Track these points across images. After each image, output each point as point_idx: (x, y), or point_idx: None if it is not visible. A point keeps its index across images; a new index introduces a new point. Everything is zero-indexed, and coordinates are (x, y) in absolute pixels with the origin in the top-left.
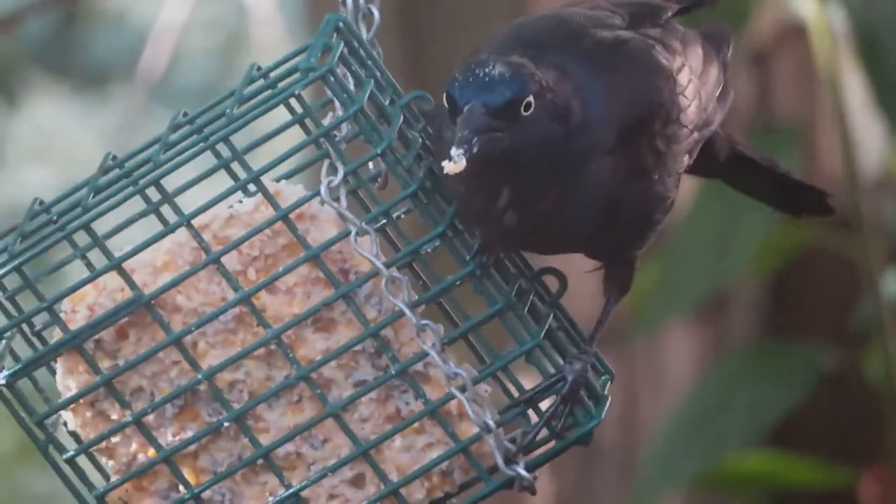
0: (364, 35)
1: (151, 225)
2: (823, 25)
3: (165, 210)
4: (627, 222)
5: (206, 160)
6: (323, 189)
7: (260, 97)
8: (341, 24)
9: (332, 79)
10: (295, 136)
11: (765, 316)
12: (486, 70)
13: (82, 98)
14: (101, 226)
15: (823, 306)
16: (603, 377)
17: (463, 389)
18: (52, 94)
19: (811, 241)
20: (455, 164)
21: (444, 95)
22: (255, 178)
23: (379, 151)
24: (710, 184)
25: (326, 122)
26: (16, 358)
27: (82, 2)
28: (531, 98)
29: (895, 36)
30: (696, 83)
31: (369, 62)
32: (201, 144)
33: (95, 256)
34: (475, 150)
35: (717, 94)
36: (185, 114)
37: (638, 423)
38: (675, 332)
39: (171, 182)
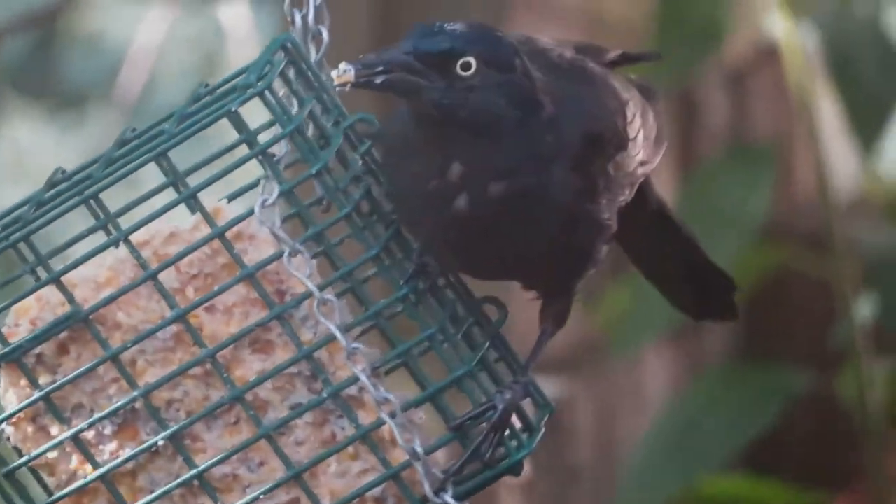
0: (313, 56)
1: (98, 241)
2: (796, 46)
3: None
4: (576, 245)
5: (151, 178)
6: (257, 207)
7: (199, 115)
8: (289, 44)
9: (269, 97)
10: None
11: (739, 337)
12: (443, 24)
13: (59, 119)
14: (53, 241)
15: (797, 327)
16: (543, 408)
17: (394, 415)
18: (28, 115)
19: (784, 261)
20: (340, 75)
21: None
22: (192, 195)
23: (314, 171)
24: (678, 208)
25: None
26: None
27: (59, 23)
28: (472, 59)
29: (866, 57)
30: (639, 119)
31: (316, 84)
32: (140, 160)
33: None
34: (377, 79)
35: (653, 138)
36: (134, 129)
37: (614, 444)
38: (651, 352)
39: (118, 199)
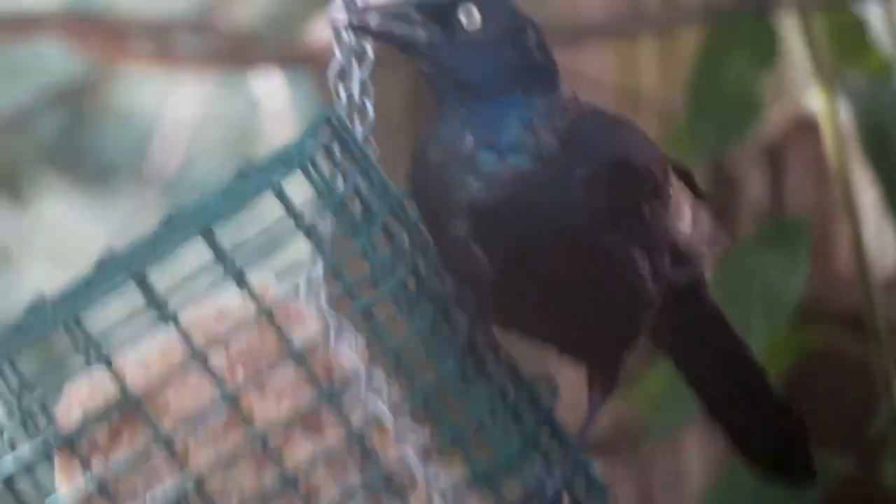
0: (358, 130)
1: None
2: (833, 122)
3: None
4: (610, 290)
5: (197, 255)
6: (302, 284)
7: (243, 190)
8: (333, 118)
9: (312, 170)
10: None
11: None
12: None
13: (91, 195)
14: (102, 320)
15: (836, 410)
16: (597, 491)
17: (444, 496)
18: (60, 191)
19: (822, 342)
20: (334, 14)
21: None
22: (239, 273)
23: (358, 246)
24: (714, 285)
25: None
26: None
27: (89, 97)
28: (473, 7)
29: None
30: (684, 196)
31: (361, 158)
32: (185, 236)
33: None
34: (373, 23)
35: (703, 230)
36: (180, 207)
37: None
38: (691, 435)
39: (164, 275)
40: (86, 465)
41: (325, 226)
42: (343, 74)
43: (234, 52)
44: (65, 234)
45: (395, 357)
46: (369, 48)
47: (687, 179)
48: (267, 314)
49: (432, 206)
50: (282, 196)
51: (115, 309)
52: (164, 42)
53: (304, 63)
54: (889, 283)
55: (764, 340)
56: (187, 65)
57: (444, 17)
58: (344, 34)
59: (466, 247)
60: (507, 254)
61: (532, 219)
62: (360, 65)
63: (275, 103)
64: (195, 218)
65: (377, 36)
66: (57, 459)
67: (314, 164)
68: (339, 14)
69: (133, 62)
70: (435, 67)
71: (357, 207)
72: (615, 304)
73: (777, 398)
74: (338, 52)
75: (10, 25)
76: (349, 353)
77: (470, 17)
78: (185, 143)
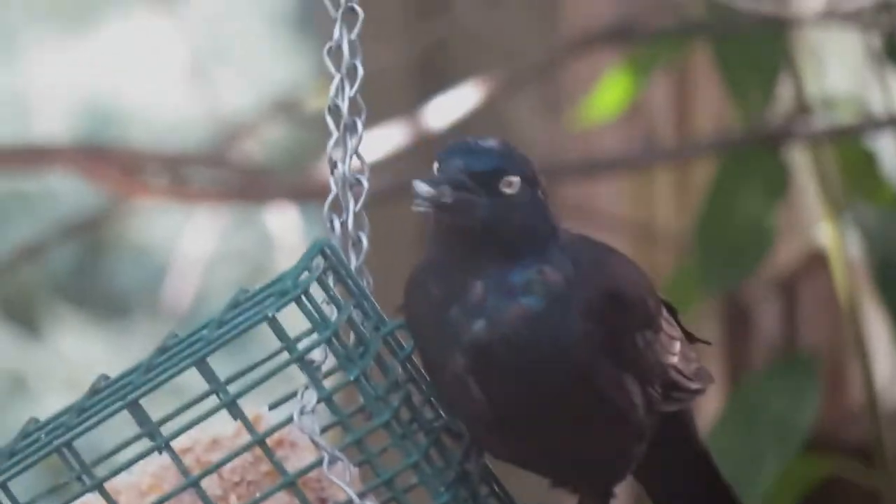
0: (352, 262)
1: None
2: (842, 256)
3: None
4: (600, 417)
5: (194, 383)
6: (296, 414)
7: (237, 320)
8: (328, 250)
9: (306, 302)
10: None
11: None
12: (479, 142)
13: (106, 328)
14: (97, 447)
15: None
16: None
17: None
18: (75, 324)
19: (833, 472)
20: (420, 197)
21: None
22: (233, 403)
23: (351, 378)
24: (726, 417)
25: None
26: None
27: (103, 231)
28: (517, 178)
29: None
30: (676, 332)
31: (355, 290)
32: (178, 366)
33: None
34: (448, 199)
35: (693, 368)
36: (176, 335)
37: None
38: None
39: (160, 404)
40: None
41: (319, 356)
42: (337, 206)
43: (248, 187)
44: (79, 365)
45: (388, 488)
46: (364, 180)
47: (673, 315)
48: (261, 442)
49: (429, 341)
50: (276, 328)
51: (109, 434)
52: (177, 176)
53: (317, 198)
54: None
55: (774, 470)
56: (201, 199)
57: (490, 184)
58: (339, 166)
59: (464, 384)
60: (505, 390)
61: (533, 355)
62: (354, 197)
63: (289, 238)
64: (190, 348)
65: (450, 210)
66: None
67: (308, 296)
68: (424, 188)
69: (147, 196)
70: (481, 227)
71: (351, 338)
72: (609, 434)
73: None
74: (332, 184)
75: (24, 158)
76: (344, 483)
77: (511, 184)
78: (198, 278)
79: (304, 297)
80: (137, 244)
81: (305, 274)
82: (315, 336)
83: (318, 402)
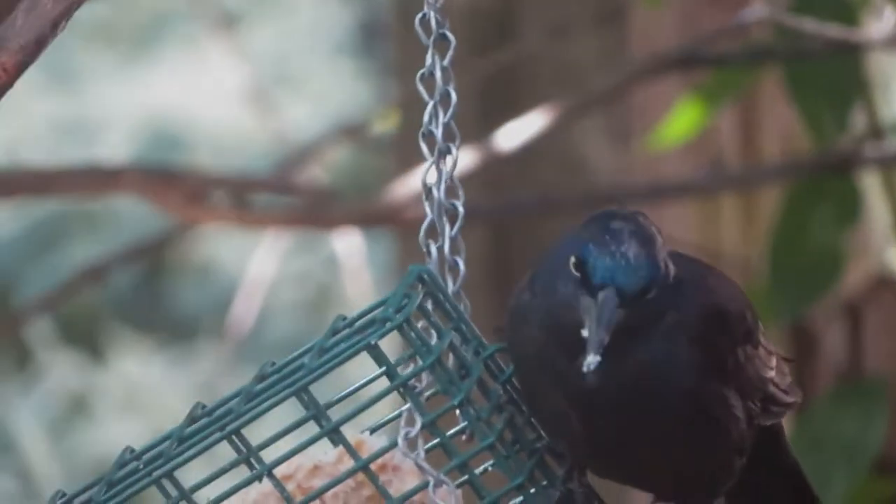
0: (450, 287)
1: (239, 476)
2: None
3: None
4: (706, 435)
5: (291, 412)
6: (400, 440)
7: (337, 348)
8: (425, 276)
9: (408, 329)
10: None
11: None
12: (623, 248)
13: (168, 352)
14: (190, 476)
15: None
16: None
17: None
18: (137, 347)
19: None
20: (591, 369)
21: (576, 259)
22: (335, 429)
23: (455, 403)
24: (796, 438)
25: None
26: None
27: (167, 255)
28: (657, 289)
29: None
30: (765, 341)
31: (454, 314)
32: (281, 395)
33: None
34: (603, 336)
35: (784, 375)
36: (273, 363)
37: None
38: None
39: (257, 434)
40: None
41: (422, 382)
42: (433, 231)
43: (313, 212)
44: (142, 389)
45: None
46: (460, 205)
47: None
48: (364, 468)
49: (530, 372)
50: (378, 356)
51: (209, 462)
52: (242, 200)
53: (382, 222)
54: None
55: (843, 493)
56: (265, 224)
57: (642, 297)
58: (434, 191)
59: (566, 419)
60: (610, 426)
61: (644, 398)
62: (450, 222)
63: (352, 261)
64: (291, 376)
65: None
66: None
67: (409, 322)
68: (594, 359)
69: (211, 221)
70: (621, 324)
71: (452, 364)
72: (712, 449)
73: None
74: (428, 210)
75: (89, 181)
76: None
77: (654, 291)
78: (262, 300)
79: (406, 325)
80: (201, 267)
81: (405, 300)
82: (417, 362)
83: (423, 427)
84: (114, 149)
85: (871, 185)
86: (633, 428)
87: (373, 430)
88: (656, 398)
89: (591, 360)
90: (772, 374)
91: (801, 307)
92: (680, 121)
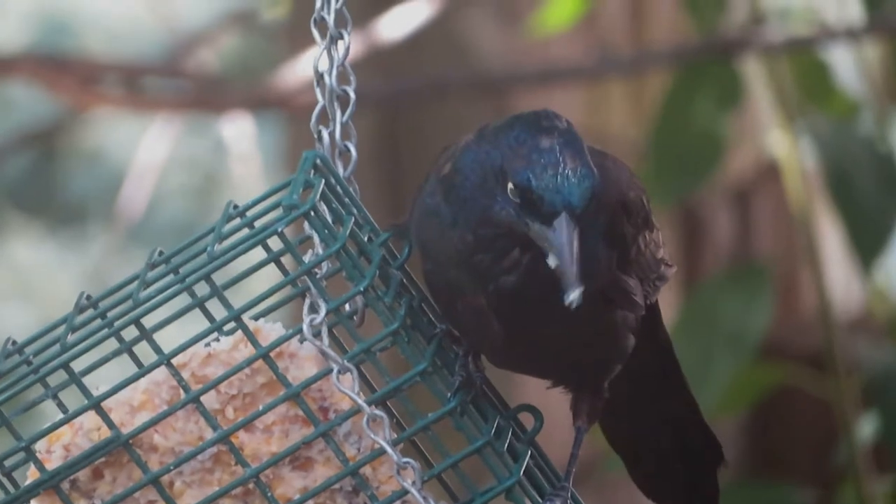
0: (341, 172)
1: (125, 362)
2: (796, 165)
3: (140, 348)
4: (611, 322)
5: (184, 298)
6: (305, 327)
7: (241, 234)
8: (318, 161)
9: (314, 216)
10: (270, 272)
11: (742, 454)
12: (562, 166)
13: (59, 237)
14: (76, 364)
15: (799, 445)
16: None
17: None
18: (27, 232)
19: (785, 380)
20: (577, 302)
21: (516, 186)
22: (237, 317)
23: (361, 289)
24: (680, 325)
25: (306, 258)
26: None
27: (58, 140)
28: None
29: (866, 175)
30: (654, 220)
31: (346, 199)
32: (183, 283)
33: (67, 395)
34: (577, 267)
35: (664, 247)
36: (161, 252)
37: None
38: None
39: (146, 320)
40: None
41: (323, 268)
42: (324, 117)
43: (204, 96)
44: (32, 274)
45: (393, 392)
46: (351, 91)
47: None
48: (264, 356)
49: (442, 269)
50: (285, 242)
51: (98, 350)
52: (133, 86)
53: (272, 106)
54: (852, 324)
55: (727, 378)
56: (156, 108)
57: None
58: (325, 77)
59: (481, 316)
60: (524, 322)
61: (559, 294)
62: (341, 108)
63: (242, 146)
64: (187, 263)
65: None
66: (37, 502)
67: (315, 210)
68: (575, 295)
69: (103, 105)
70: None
71: (353, 249)
72: (613, 336)
73: (706, 427)
74: (319, 95)
75: None
76: (352, 393)
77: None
78: (152, 186)
79: (311, 211)
80: (92, 152)
81: (313, 188)
82: (318, 248)
83: (328, 313)
84: (6, 35)
85: (755, 72)
86: (547, 323)
87: (256, 318)
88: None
89: (574, 295)
90: (662, 252)
91: (684, 190)
92: (565, 4)
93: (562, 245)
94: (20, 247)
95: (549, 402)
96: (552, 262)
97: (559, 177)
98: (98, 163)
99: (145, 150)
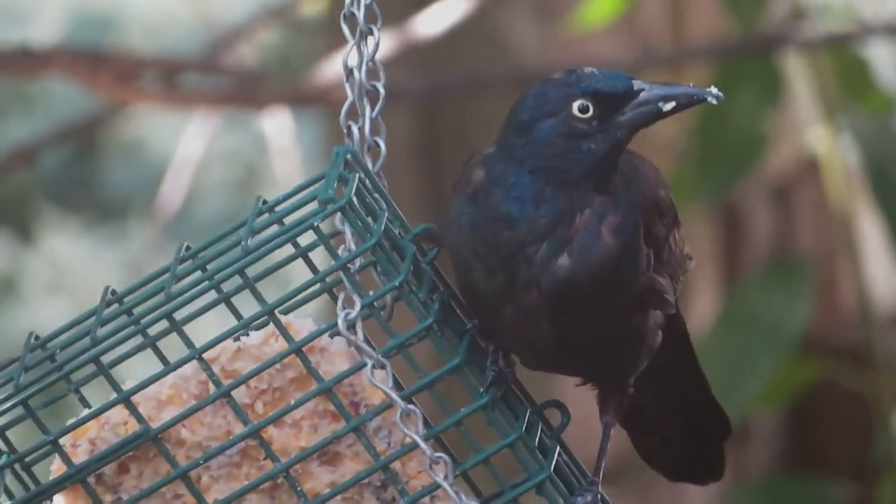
0: (370, 167)
1: (150, 356)
2: (836, 161)
3: (166, 342)
4: (644, 320)
5: (208, 294)
6: (340, 322)
7: (276, 228)
8: (349, 156)
9: (350, 210)
10: (297, 267)
11: (781, 449)
12: (591, 71)
13: (97, 231)
14: (104, 358)
15: (838, 440)
16: None
17: None
18: (66, 227)
19: (824, 375)
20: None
21: (587, 90)
22: (270, 312)
23: (397, 283)
24: (721, 321)
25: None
26: (9, 495)
27: (98, 134)
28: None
29: None
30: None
31: (376, 194)
32: (216, 276)
33: (89, 389)
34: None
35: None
36: (189, 247)
37: None
38: None
39: (178, 314)
40: (97, 501)
41: (356, 264)
42: (354, 113)
43: (241, 92)
44: (70, 269)
45: (428, 389)
46: (381, 87)
47: None
48: (297, 350)
49: (493, 274)
50: (321, 237)
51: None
52: (172, 81)
53: (310, 102)
54: (891, 319)
55: (768, 373)
56: (195, 104)
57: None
58: (355, 73)
59: (532, 317)
60: (575, 322)
61: (611, 291)
62: (370, 104)
63: (281, 141)
64: (218, 257)
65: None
66: (61, 498)
67: (351, 204)
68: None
69: (141, 101)
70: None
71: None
72: (645, 334)
73: (714, 401)
74: (349, 91)
75: (20, 62)
76: (387, 388)
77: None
78: (191, 180)
79: (347, 205)
80: (132, 147)
81: (348, 183)
82: (350, 242)
83: (363, 308)
84: (45, 30)
85: (795, 68)
86: (591, 325)
87: (285, 312)
88: (617, 288)
89: (713, 92)
90: (688, 249)
91: (725, 187)
92: (605, 0)
93: (659, 91)
94: (59, 242)
95: (578, 398)
96: (668, 107)
97: (600, 70)
98: (138, 158)
99: (186, 145)
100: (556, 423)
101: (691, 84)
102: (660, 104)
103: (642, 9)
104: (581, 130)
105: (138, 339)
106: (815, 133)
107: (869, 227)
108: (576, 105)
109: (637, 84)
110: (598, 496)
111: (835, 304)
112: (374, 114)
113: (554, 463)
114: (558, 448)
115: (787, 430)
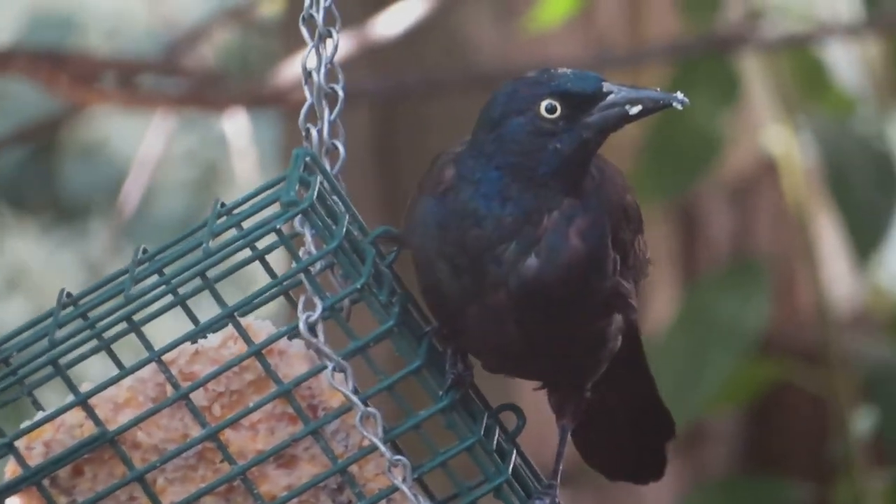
0: (329, 169)
1: (107, 359)
2: (794, 163)
3: (122, 345)
4: (609, 324)
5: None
6: (302, 325)
7: (236, 232)
8: (308, 159)
9: (312, 213)
10: (258, 268)
11: (739, 449)
12: (564, 71)
13: (59, 232)
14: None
15: (796, 440)
16: None
17: None
18: (25, 229)
19: (782, 376)
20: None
21: (556, 90)
22: (230, 314)
23: (359, 286)
24: (678, 322)
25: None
26: None
27: (58, 135)
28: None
29: (863, 171)
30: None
31: (335, 196)
32: (178, 279)
33: (44, 391)
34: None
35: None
36: (146, 250)
37: None
38: None
39: (135, 316)
40: (51, 502)
41: (318, 266)
42: (313, 115)
43: (200, 94)
44: (30, 269)
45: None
46: (339, 89)
47: None
48: (257, 353)
49: (457, 274)
50: (283, 240)
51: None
52: (132, 82)
53: (269, 103)
54: (850, 320)
55: (724, 374)
56: (154, 105)
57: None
58: (314, 75)
59: (499, 319)
60: (540, 324)
61: (577, 293)
62: (329, 106)
63: (238, 141)
64: (177, 260)
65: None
66: (18, 500)
67: (314, 207)
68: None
69: (100, 102)
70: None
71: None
72: (607, 337)
73: (660, 402)
74: (308, 94)
75: None
76: (348, 391)
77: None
78: (149, 181)
79: (309, 208)
80: (92, 148)
81: (311, 185)
82: (310, 245)
83: (324, 310)
84: (3, 31)
85: (754, 69)
86: (555, 328)
87: (243, 315)
88: (586, 295)
89: (679, 97)
90: (649, 253)
91: (682, 188)
92: (561, 0)
93: (626, 94)
94: (19, 242)
95: (533, 401)
96: (634, 111)
97: (572, 70)
98: (98, 158)
99: (147, 146)
100: (511, 426)
101: (658, 89)
102: (626, 107)
103: (600, 9)
104: (547, 129)
105: (97, 341)
106: (773, 134)
107: (827, 229)
108: (543, 104)
109: (606, 86)
110: (556, 499)
111: (793, 305)
112: (332, 116)
113: (511, 466)
114: (514, 452)
115: (745, 430)
